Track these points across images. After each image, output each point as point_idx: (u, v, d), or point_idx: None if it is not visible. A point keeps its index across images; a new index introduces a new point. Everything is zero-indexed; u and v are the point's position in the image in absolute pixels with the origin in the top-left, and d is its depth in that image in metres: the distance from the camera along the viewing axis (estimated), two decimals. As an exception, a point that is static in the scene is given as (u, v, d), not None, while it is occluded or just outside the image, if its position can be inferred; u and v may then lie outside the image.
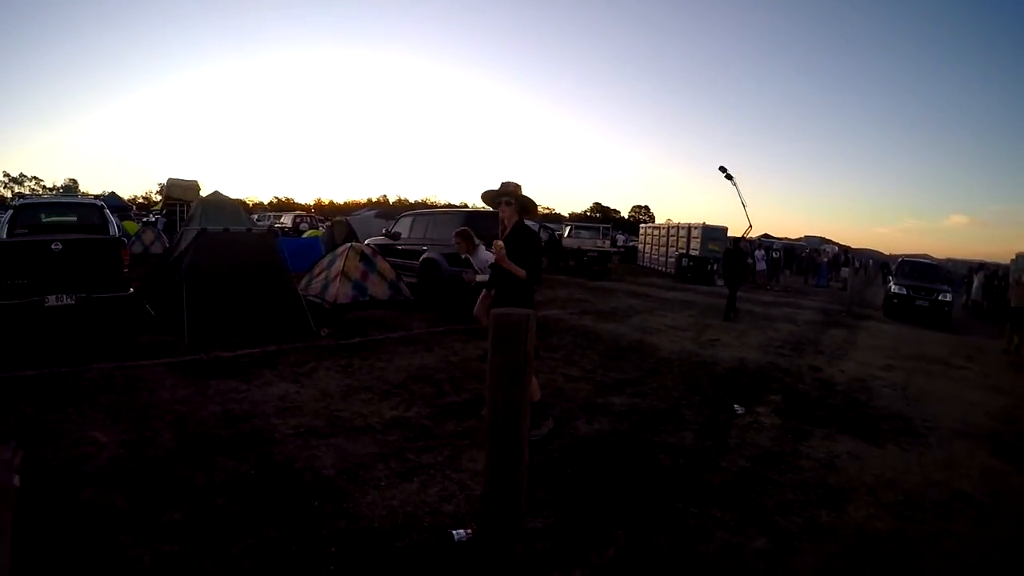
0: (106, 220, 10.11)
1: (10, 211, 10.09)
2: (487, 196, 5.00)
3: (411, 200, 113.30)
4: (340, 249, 11.30)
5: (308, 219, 39.69)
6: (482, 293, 5.61)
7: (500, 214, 4.93)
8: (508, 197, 4.86)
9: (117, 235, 9.48)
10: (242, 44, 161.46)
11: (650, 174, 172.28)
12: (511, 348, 2.04)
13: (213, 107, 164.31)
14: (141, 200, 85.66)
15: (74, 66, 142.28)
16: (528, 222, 5.12)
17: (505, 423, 2.05)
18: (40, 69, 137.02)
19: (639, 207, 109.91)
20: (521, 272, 4.55)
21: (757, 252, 25.63)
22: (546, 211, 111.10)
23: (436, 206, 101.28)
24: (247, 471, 4.02)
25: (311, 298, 9.41)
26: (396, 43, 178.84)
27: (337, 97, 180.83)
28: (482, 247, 7.23)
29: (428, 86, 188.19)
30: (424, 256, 11.96)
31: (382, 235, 14.42)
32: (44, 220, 10.28)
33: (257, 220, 25.72)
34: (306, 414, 5.20)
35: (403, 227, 13.63)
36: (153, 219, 27.62)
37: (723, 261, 16.49)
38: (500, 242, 4.53)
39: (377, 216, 24.75)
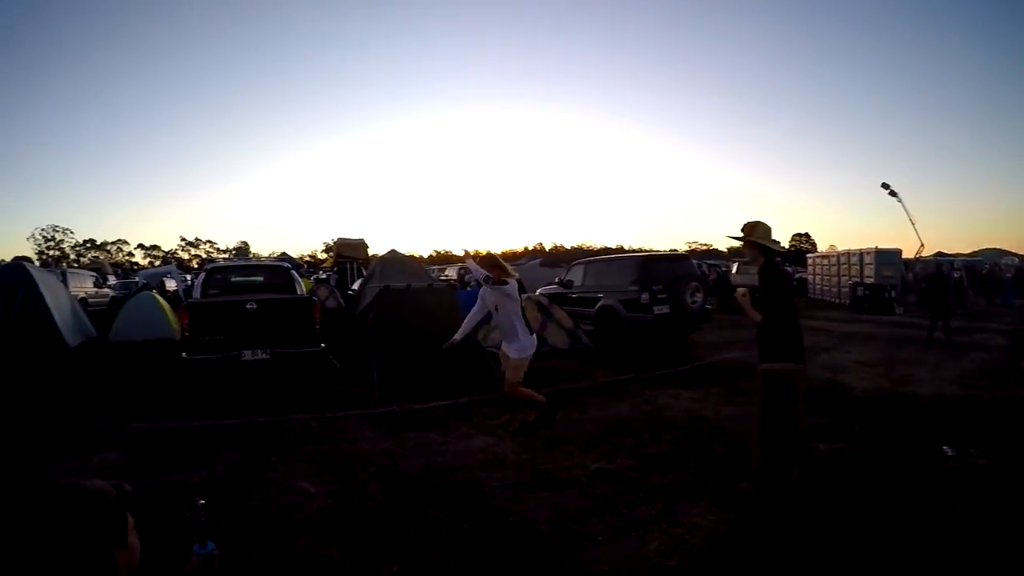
0: (292, 280, 11.87)
1: (202, 274, 12.09)
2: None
3: (567, 246, 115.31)
4: None
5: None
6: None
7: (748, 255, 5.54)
8: (750, 239, 5.23)
9: (305, 294, 10.60)
10: (391, 103, 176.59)
11: (805, 198, 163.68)
12: (782, 402, 1.99)
13: (369, 166, 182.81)
14: (308, 258, 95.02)
15: (242, 135, 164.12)
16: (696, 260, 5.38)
17: (775, 476, 1.98)
18: (212, 139, 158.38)
19: (800, 235, 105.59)
20: (756, 316, 5.01)
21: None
22: (703, 248, 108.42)
23: (594, 251, 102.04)
24: (460, 524, 4.31)
25: (491, 349, 9.89)
26: (542, 93, 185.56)
27: (488, 147, 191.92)
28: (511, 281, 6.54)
29: (578, 130, 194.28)
30: (600, 303, 13.07)
31: (554, 284, 15.74)
32: (233, 281, 12.11)
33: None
34: (510, 467, 5.54)
35: (576, 275, 14.86)
36: (324, 276, 30.51)
37: (928, 288, 15.40)
38: (743, 289, 4.79)
39: (542, 265, 25.91)
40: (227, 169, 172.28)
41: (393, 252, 11.04)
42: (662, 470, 5.35)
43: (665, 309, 12.10)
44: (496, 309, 6.39)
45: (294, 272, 12.17)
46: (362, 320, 10.24)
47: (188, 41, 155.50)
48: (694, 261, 15.33)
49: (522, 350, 6.37)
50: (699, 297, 12.54)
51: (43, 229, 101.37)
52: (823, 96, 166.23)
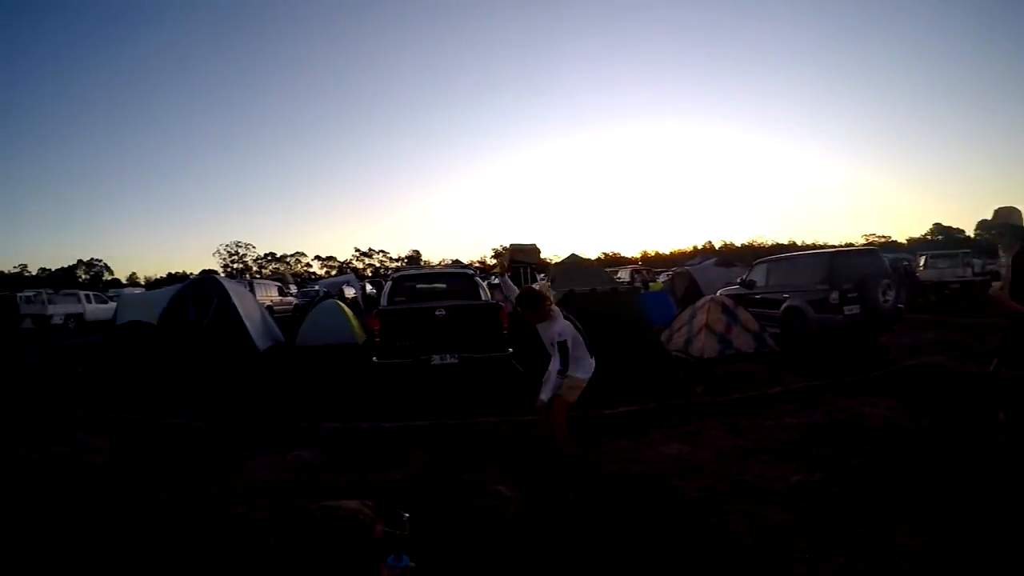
0: (476, 286, 12.65)
1: (389, 283, 12.99)
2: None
3: (737, 244, 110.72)
4: (700, 302, 12.48)
5: (644, 272, 41.68)
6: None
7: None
8: (998, 227, 4.98)
9: (491, 300, 11.10)
10: (557, 108, 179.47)
11: (986, 177, 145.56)
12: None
13: (536, 170, 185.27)
14: (478, 264, 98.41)
15: (410, 147, 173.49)
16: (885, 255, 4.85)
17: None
18: (381, 153, 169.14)
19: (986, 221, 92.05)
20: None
21: None
22: (882, 240, 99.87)
23: (766, 248, 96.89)
24: (661, 534, 4.37)
25: (675, 353, 9.83)
26: (699, 92, 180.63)
27: (653, 147, 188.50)
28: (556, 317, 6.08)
29: (742, 127, 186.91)
30: (786, 304, 12.99)
31: (736, 284, 15.68)
32: (419, 288, 13.07)
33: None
34: (707, 476, 5.56)
35: (759, 274, 14.76)
36: (497, 281, 31.41)
37: None
38: (998, 283, 4.36)
39: (717, 264, 25.49)
40: (397, 181, 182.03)
41: (573, 256, 11.28)
42: (865, 485, 5.19)
43: (855, 309, 11.64)
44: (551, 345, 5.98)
45: (478, 278, 12.79)
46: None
47: (364, 58, 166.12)
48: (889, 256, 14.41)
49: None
50: (891, 296, 11.81)
51: (227, 244, 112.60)
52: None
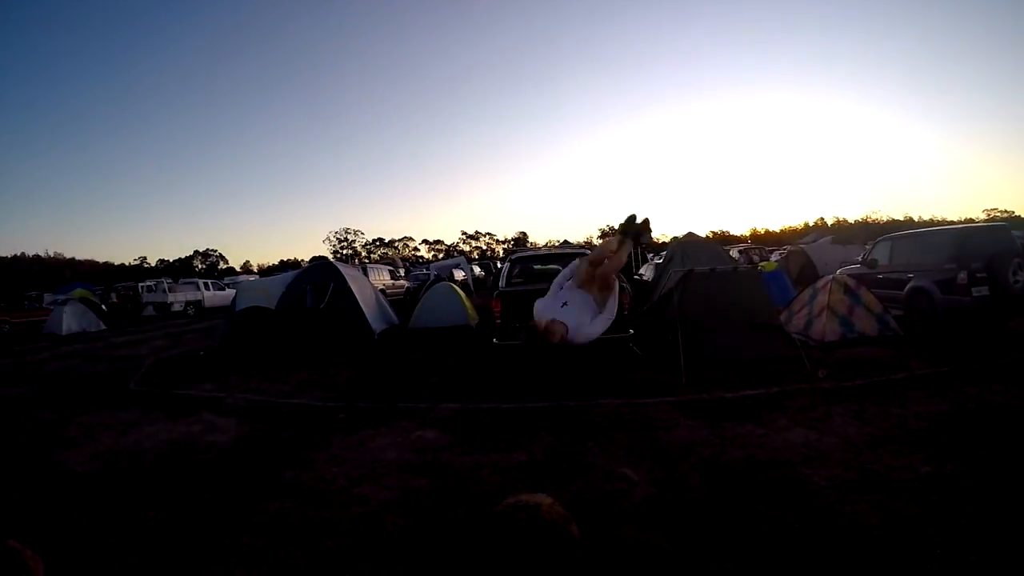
0: None
1: (506, 264, 13.10)
2: None
3: (850, 220, 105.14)
4: (821, 282, 11.94)
5: (757, 251, 40.43)
6: None
7: None
8: None
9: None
10: (660, 85, 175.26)
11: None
12: None
13: (642, 148, 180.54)
14: (585, 244, 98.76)
15: (515, 127, 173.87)
16: None
17: None
18: (484, 133, 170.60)
19: None
20: None
21: None
22: (1004, 215, 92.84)
23: (882, 224, 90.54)
24: (791, 523, 4.25)
25: (795, 336, 9.50)
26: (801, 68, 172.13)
27: (760, 117, 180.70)
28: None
29: (854, 99, 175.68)
30: (911, 285, 12.31)
31: (856, 263, 14.97)
32: (536, 269, 13.13)
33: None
34: (835, 464, 5.37)
35: (881, 252, 13.98)
36: None
37: None
38: None
39: (834, 242, 24.27)
40: (502, 162, 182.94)
41: (690, 234, 11.05)
42: (997, 478, 4.93)
43: (984, 291, 10.81)
44: None
45: None
46: (663, 304, 10.40)
47: (466, 40, 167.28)
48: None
49: None
50: (1022, 276, 10.96)
51: (337, 231, 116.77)
52: None
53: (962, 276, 10.90)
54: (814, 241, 30.27)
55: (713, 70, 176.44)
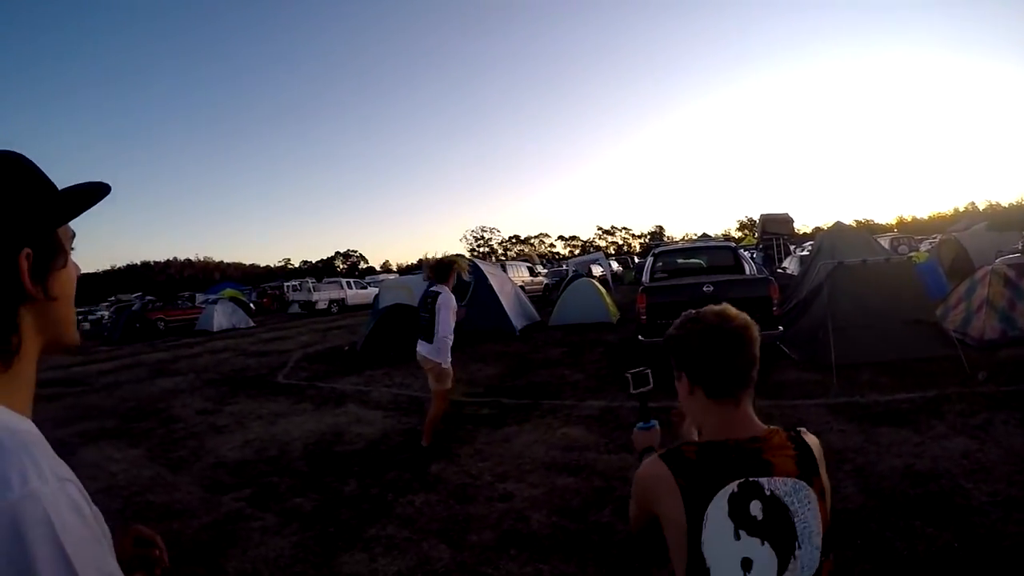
0: (740, 260, 12.15)
1: (650, 258, 12.96)
2: None
3: (1004, 204, 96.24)
4: (979, 273, 10.85)
5: (906, 241, 38.09)
6: None
7: None
8: None
9: (758, 274, 10.73)
10: (795, 61, 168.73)
11: None
12: None
13: (777, 134, 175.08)
14: (723, 236, 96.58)
15: (648, 119, 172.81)
16: None
17: None
18: (620, 127, 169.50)
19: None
20: None
21: None
22: None
23: None
24: (948, 542, 4.04)
25: (952, 333, 8.93)
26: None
27: (904, 95, 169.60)
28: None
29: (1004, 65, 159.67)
30: None
31: (1016, 252, 13.97)
32: (680, 264, 12.97)
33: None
34: (998, 479, 4.98)
35: None
36: (750, 254, 30.73)
37: None
38: None
39: (989, 229, 22.56)
40: (638, 154, 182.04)
41: (838, 224, 10.66)
42: None
43: None
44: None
45: (742, 252, 12.38)
46: (811, 299, 10.14)
47: (595, 36, 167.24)
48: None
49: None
50: None
51: (473, 229, 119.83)
52: None
53: None
54: (966, 229, 28.26)
55: (848, 42, 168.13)
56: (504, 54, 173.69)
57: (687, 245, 16.36)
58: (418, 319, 7.22)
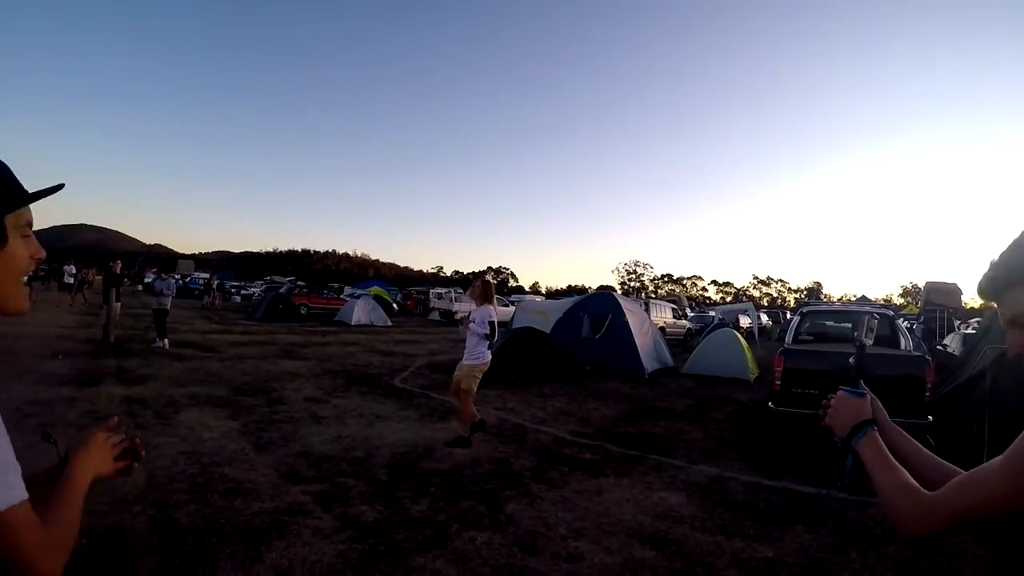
0: (897, 331, 10.65)
1: (797, 317, 11.89)
2: None
3: None
4: None
5: None
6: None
7: None
8: None
9: (914, 352, 9.45)
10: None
11: None
12: None
13: (953, 193, 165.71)
14: (882, 302, 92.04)
15: (816, 165, 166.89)
16: None
17: None
18: (783, 172, 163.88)
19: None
20: None
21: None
22: None
23: None
24: None
25: None
26: None
27: None
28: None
29: None
30: None
31: None
32: (829, 327, 12.03)
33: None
34: None
35: None
36: (910, 325, 28.82)
37: None
38: None
39: None
40: (803, 204, 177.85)
41: None
42: None
43: None
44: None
45: (900, 322, 11.14)
46: (969, 389, 8.69)
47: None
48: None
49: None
50: None
51: (626, 263, 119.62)
52: None
53: None
54: None
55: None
56: (686, 91, 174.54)
57: (840, 307, 14.98)
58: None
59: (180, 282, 50.05)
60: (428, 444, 7.61)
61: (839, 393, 1.66)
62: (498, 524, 5.12)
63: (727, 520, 5.55)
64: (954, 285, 30.01)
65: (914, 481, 1.36)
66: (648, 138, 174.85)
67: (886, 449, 1.49)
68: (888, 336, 10.50)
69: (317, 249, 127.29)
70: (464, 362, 7.82)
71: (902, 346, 10.06)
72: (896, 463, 1.43)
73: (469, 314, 7.98)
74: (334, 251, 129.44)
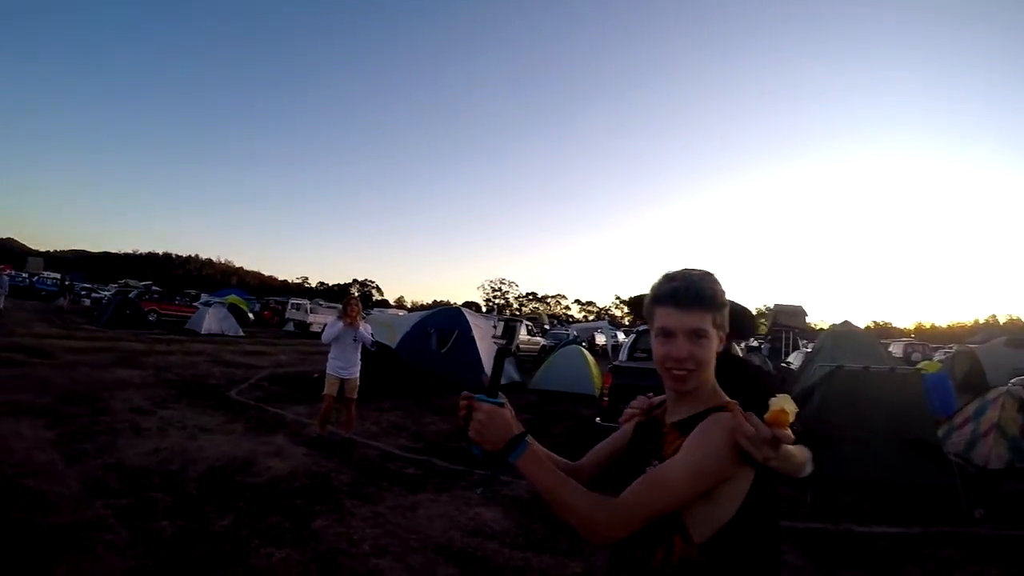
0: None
1: (633, 335, 12.42)
2: None
3: None
4: (992, 394, 9.91)
5: (920, 347, 37.35)
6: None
7: None
8: None
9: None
10: (822, 162, 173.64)
11: None
12: None
13: (803, 227, 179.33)
14: None
15: (671, 197, 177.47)
16: None
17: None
18: (644, 200, 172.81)
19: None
20: None
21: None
22: None
23: None
24: None
25: (953, 458, 8.03)
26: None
27: (935, 203, 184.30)
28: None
29: None
30: None
31: None
32: None
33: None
34: None
35: None
36: (757, 344, 30.35)
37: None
38: None
39: (1008, 345, 22.32)
40: (658, 229, 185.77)
41: (846, 324, 10.05)
42: None
43: None
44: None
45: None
46: (802, 402, 9.17)
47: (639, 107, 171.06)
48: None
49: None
50: None
51: (491, 280, 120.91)
52: None
53: None
54: (984, 342, 27.73)
55: (888, 143, 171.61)
56: (532, 111, 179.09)
57: None
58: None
59: (24, 281, 47.14)
60: (248, 458, 7.29)
61: (483, 405, 1.55)
62: (301, 540, 4.92)
63: (541, 536, 5.53)
64: (799, 307, 31.95)
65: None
66: (517, 160, 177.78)
67: (548, 462, 1.53)
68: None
69: (180, 253, 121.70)
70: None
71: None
72: (564, 475, 1.48)
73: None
74: (197, 256, 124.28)
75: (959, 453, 9.08)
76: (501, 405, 1.55)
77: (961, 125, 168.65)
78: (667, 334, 1.52)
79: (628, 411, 1.86)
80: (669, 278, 1.57)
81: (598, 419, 9.02)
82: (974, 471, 8.58)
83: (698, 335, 1.51)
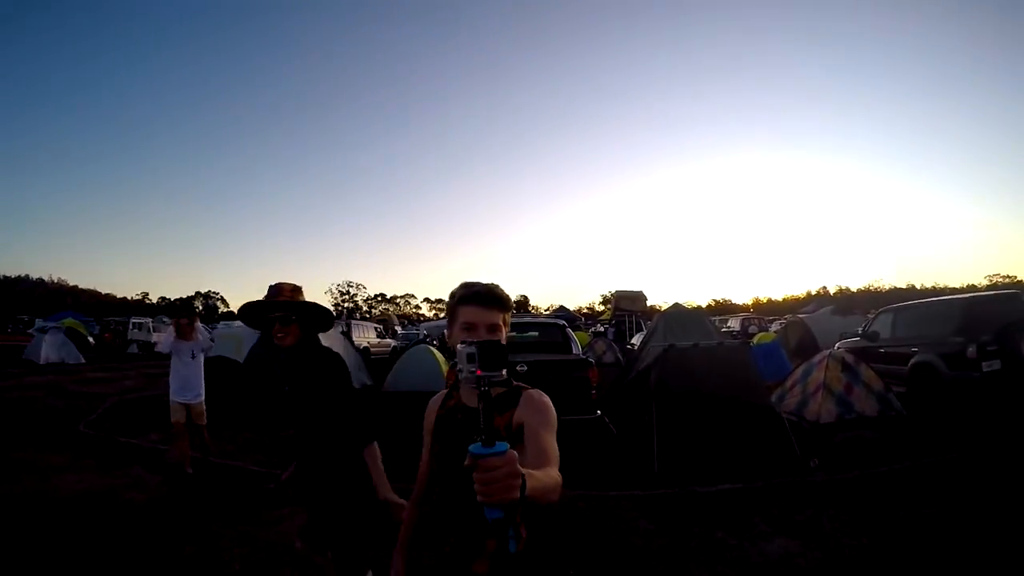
0: (568, 339, 11.86)
1: None
2: None
3: (853, 288, 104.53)
4: (817, 357, 11.20)
5: (757, 320, 40.14)
6: None
7: None
8: None
9: (581, 355, 10.78)
10: (664, 149, 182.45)
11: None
12: None
13: (645, 214, 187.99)
14: (586, 311, 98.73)
15: (515, 189, 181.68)
16: None
17: None
18: (484, 192, 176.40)
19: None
20: None
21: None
22: (1006, 280, 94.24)
23: (884, 293, 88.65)
24: None
25: (786, 416, 8.83)
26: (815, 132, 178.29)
27: (767, 184, 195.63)
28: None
29: (859, 162, 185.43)
30: (915, 360, 11.78)
31: (856, 336, 14.38)
32: (513, 338, 12.03)
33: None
34: None
35: (883, 325, 13.51)
36: (603, 329, 31.22)
37: None
38: None
39: (834, 313, 24.43)
40: (501, 222, 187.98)
41: (676, 306, 10.71)
42: None
43: (996, 365, 10.19)
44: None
45: (570, 331, 12.11)
46: (641, 381, 9.79)
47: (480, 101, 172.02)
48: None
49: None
50: None
51: (339, 284, 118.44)
52: None
53: (971, 349, 10.42)
54: (814, 311, 30.08)
55: (720, 134, 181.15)
56: (388, 114, 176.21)
57: (530, 318, 15.80)
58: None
59: None
60: (107, 493, 6.97)
61: (486, 459, 1.29)
62: (173, 571, 4.80)
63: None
64: (640, 292, 33.35)
65: None
66: (363, 164, 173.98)
67: (537, 472, 1.52)
68: (561, 343, 11.55)
69: (8, 275, 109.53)
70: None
71: (573, 351, 11.15)
72: (531, 470, 1.49)
73: None
74: (27, 276, 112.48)
75: (792, 412, 9.93)
76: (504, 451, 1.30)
77: (787, 110, 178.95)
78: (470, 328, 1.96)
79: None
80: (470, 285, 2.04)
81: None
82: (807, 427, 9.42)
83: (494, 328, 1.98)
